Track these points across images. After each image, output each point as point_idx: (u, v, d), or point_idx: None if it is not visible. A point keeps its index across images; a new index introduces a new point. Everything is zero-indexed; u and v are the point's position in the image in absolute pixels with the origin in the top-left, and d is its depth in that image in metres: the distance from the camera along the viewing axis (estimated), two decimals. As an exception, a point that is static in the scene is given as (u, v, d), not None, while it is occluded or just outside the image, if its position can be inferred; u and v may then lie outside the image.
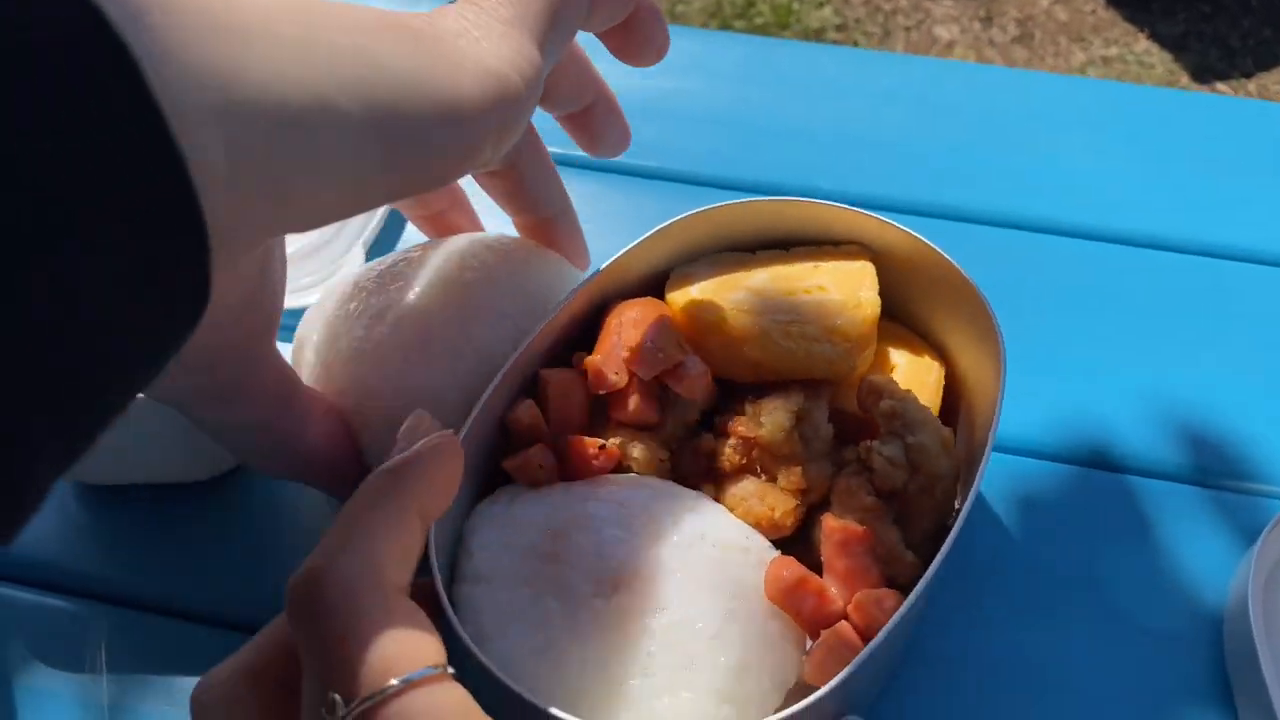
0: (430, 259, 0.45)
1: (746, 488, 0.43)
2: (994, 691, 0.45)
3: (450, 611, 0.35)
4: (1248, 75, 1.82)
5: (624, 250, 0.45)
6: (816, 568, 0.40)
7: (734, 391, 0.45)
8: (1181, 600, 0.48)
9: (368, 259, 0.58)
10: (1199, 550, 0.49)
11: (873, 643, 0.35)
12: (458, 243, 0.46)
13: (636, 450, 0.43)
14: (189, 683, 0.44)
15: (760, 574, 0.39)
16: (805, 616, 0.39)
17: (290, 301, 0.53)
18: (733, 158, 0.67)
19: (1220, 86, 1.83)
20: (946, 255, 0.45)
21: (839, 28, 1.96)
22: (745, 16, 1.98)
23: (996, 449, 0.52)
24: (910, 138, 0.68)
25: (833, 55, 0.75)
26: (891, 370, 0.48)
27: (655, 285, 0.47)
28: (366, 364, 0.42)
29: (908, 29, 1.93)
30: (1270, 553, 0.47)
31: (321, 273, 0.57)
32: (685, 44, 0.71)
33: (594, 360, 0.43)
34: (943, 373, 0.47)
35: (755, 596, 0.39)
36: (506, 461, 0.41)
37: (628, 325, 0.43)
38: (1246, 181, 0.65)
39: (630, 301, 0.45)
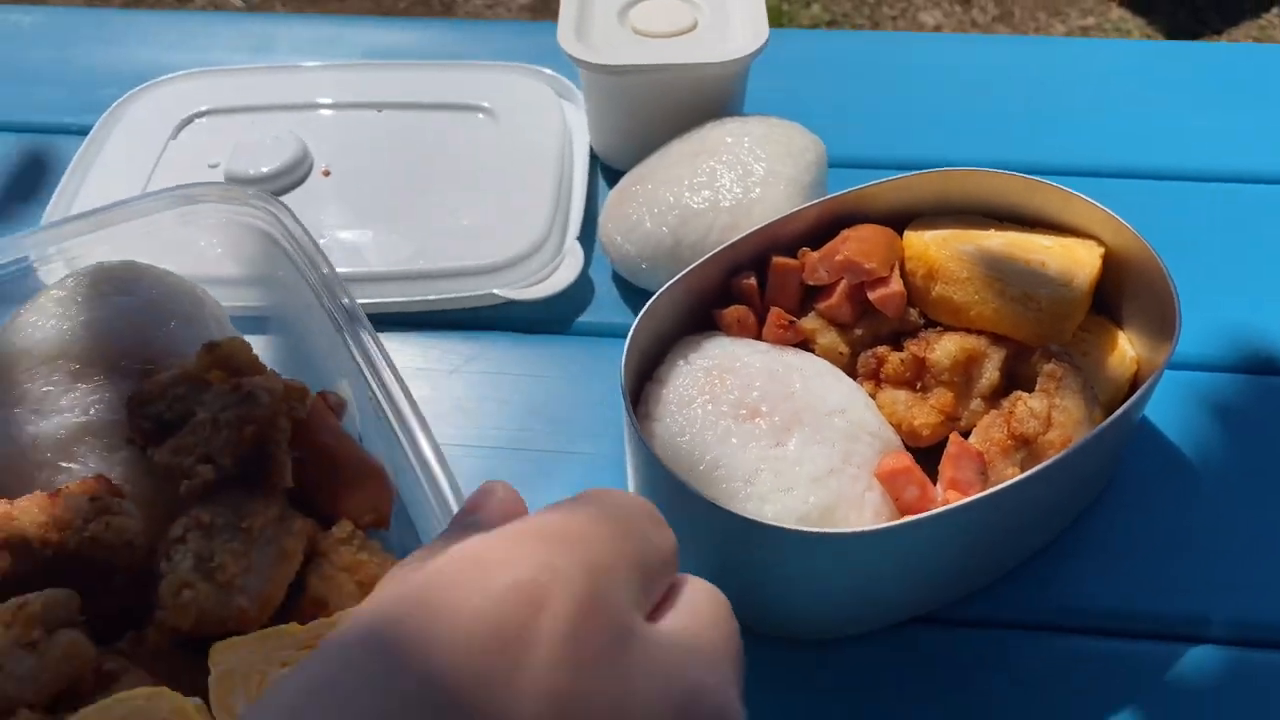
0: None
1: (899, 395, 0.50)
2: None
3: (628, 400, 0.45)
4: (1217, 31, 1.92)
5: (871, 183, 0.53)
6: (932, 479, 0.47)
7: (930, 326, 0.52)
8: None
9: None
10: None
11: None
12: None
13: (823, 337, 0.51)
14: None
15: (878, 458, 0.46)
16: (903, 502, 0.46)
17: (521, 295, 0.60)
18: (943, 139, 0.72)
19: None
20: (1143, 239, 0.49)
21: (829, 24, 2.00)
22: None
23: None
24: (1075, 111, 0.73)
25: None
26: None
27: (892, 222, 0.54)
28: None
29: (894, 18, 2.00)
30: None
31: (541, 273, 0.61)
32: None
33: (812, 256, 0.51)
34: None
35: (865, 469, 0.46)
36: (716, 310, 0.51)
37: (854, 239, 0.52)
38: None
39: (866, 225, 0.53)
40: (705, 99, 0.63)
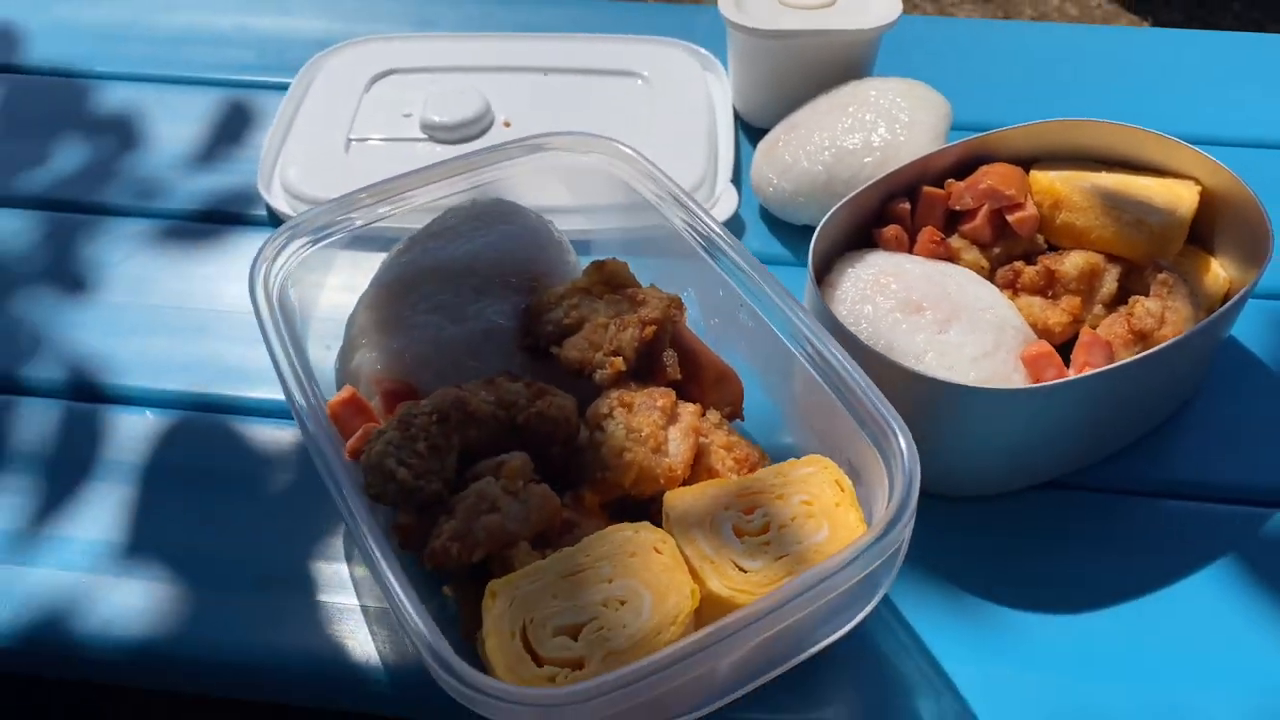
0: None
1: (1035, 300, 0.59)
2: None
3: (824, 303, 0.55)
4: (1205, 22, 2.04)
5: (1004, 129, 0.63)
6: (1066, 365, 0.56)
7: (1056, 250, 0.61)
8: None
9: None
10: None
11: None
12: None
13: (968, 254, 0.61)
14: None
15: (1022, 346, 0.56)
16: (1044, 380, 0.55)
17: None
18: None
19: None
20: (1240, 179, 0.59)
21: None
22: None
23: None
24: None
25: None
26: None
27: (1020, 163, 0.64)
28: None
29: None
30: None
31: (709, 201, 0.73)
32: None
33: (958, 186, 0.61)
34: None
35: (1011, 354, 0.55)
36: (875, 229, 0.61)
37: (992, 173, 0.61)
38: None
39: (1001, 163, 0.63)
40: (843, 63, 0.73)
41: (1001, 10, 2.22)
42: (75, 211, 0.74)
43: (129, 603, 0.52)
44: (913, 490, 0.43)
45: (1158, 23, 2.17)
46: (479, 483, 0.46)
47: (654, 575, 0.43)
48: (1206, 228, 0.62)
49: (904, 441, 0.44)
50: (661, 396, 0.51)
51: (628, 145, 0.58)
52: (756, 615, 0.39)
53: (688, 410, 0.51)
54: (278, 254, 0.54)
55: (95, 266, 0.70)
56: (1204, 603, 0.52)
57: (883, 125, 0.66)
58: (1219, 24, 2.17)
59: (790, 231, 0.70)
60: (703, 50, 0.82)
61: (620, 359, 0.51)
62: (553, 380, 0.52)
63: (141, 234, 0.72)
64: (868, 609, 0.45)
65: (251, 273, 0.52)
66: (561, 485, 0.49)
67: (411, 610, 0.40)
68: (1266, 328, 0.65)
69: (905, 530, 0.43)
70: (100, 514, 0.56)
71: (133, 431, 0.60)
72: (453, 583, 0.46)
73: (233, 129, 0.80)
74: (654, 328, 0.52)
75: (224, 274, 0.69)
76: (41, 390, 0.63)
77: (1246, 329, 0.65)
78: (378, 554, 0.41)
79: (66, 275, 0.69)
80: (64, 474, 0.58)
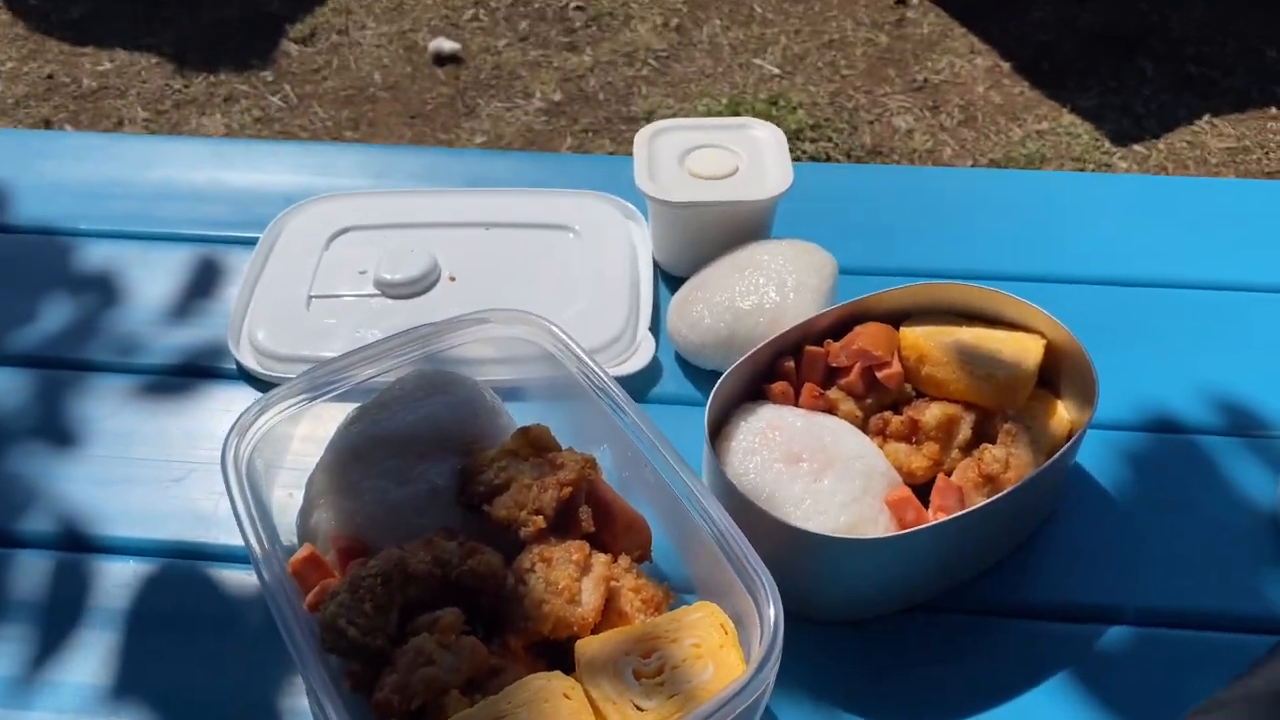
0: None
1: (900, 447, 0.69)
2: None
3: (712, 450, 0.64)
4: (1155, 136, 2.22)
5: (874, 293, 0.73)
6: (925, 506, 0.65)
7: (919, 397, 0.71)
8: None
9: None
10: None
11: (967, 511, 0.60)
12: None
13: (844, 405, 0.70)
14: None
15: (886, 491, 0.65)
16: (905, 522, 0.64)
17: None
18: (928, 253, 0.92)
19: (1137, 148, 2.18)
20: (1072, 334, 0.69)
21: (813, 127, 2.22)
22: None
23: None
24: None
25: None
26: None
27: (890, 321, 0.74)
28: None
29: (871, 122, 2.24)
30: None
31: (622, 356, 0.79)
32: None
33: (835, 346, 0.71)
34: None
35: (877, 499, 0.65)
36: (766, 385, 0.70)
37: (864, 334, 0.71)
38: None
39: (873, 323, 0.73)
40: (746, 226, 0.83)
41: (930, 99, 2.35)
42: (61, 368, 0.82)
43: (117, 741, 0.60)
44: (777, 639, 0.52)
45: (1076, 108, 2.31)
46: (416, 639, 0.55)
47: (563, 719, 0.52)
48: (1053, 374, 0.72)
49: (771, 597, 0.53)
50: (577, 550, 0.60)
51: (551, 321, 0.68)
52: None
53: (600, 560, 0.60)
54: (247, 429, 0.62)
55: (82, 421, 0.78)
56: (1056, 715, 0.61)
57: (773, 289, 0.76)
58: (1133, 107, 2.32)
59: (700, 375, 0.80)
60: (627, 203, 0.92)
61: (541, 517, 0.60)
62: (486, 531, 0.61)
63: (123, 389, 0.80)
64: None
65: (223, 449, 0.61)
66: (489, 629, 0.58)
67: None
68: (1109, 457, 0.75)
69: (771, 672, 0.51)
70: (89, 659, 0.64)
71: (118, 579, 0.68)
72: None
73: (205, 284, 0.89)
74: (570, 489, 0.61)
75: (199, 428, 0.78)
76: (34, 543, 0.71)
77: (1092, 458, 0.75)
78: (324, 698, 0.50)
79: (55, 431, 0.77)
80: (56, 621, 0.66)
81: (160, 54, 2.57)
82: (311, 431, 0.67)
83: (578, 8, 2.72)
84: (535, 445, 0.64)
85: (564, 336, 0.67)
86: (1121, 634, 0.65)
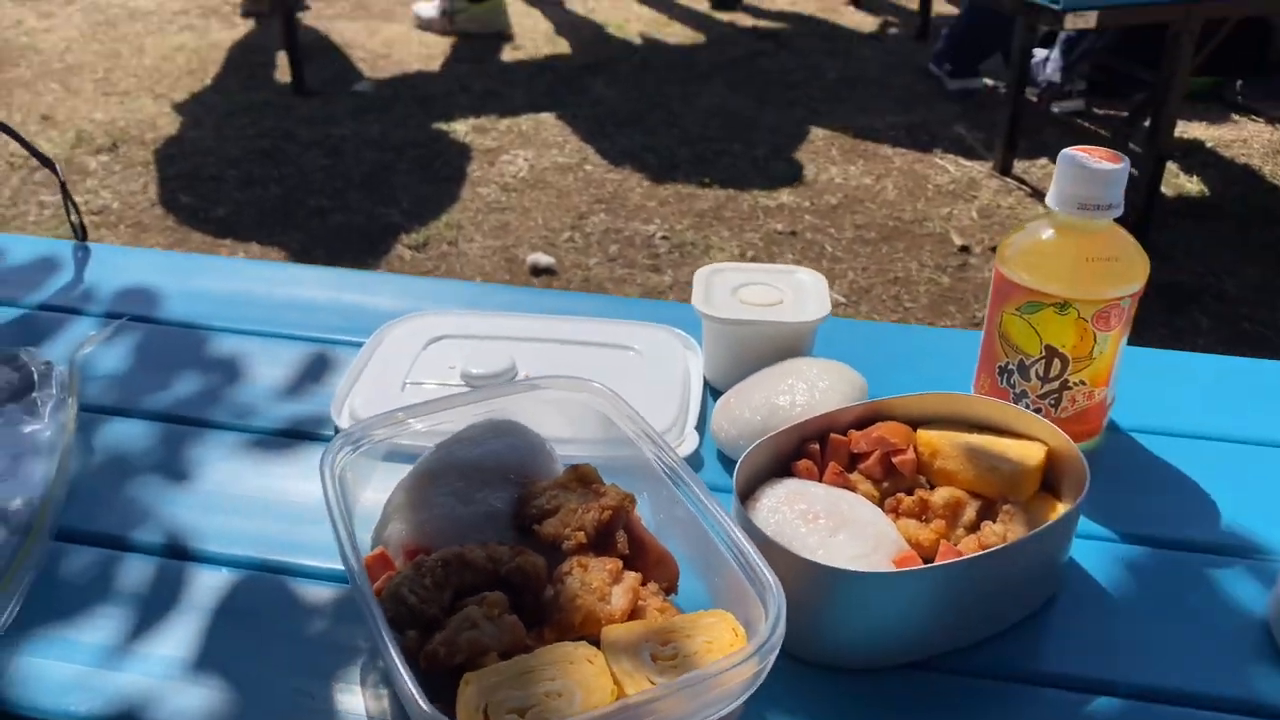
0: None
1: (911, 522, 0.76)
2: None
3: (743, 508, 0.73)
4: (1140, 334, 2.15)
5: (897, 395, 0.83)
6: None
7: (930, 486, 0.79)
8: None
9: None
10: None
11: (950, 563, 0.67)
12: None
13: (863, 486, 0.79)
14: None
15: (895, 553, 0.73)
16: (909, 579, 0.71)
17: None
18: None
19: None
20: (1071, 442, 0.77)
21: None
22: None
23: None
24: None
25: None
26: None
27: (908, 422, 0.83)
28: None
29: None
30: None
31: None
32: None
33: (858, 436, 0.80)
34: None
35: (886, 557, 0.72)
36: (794, 464, 0.80)
37: (884, 427, 0.81)
38: None
39: (893, 421, 0.82)
40: (785, 347, 0.94)
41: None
42: (185, 424, 0.95)
43: (191, 704, 0.68)
44: (779, 625, 0.59)
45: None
46: (466, 608, 0.63)
47: (585, 678, 0.59)
48: (1055, 481, 0.80)
49: (778, 599, 0.61)
50: (611, 564, 0.68)
51: (605, 385, 0.79)
52: (653, 698, 0.55)
53: (631, 576, 0.68)
54: (340, 447, 0.73)
55: (196, 463, 0.90)
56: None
57: (804, 388, 0.87)
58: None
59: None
60: (685, 334, 1.05)
61: (582, 533, 0.69)
62: (536, 550, 0.70)
63: (235, 442, 0.93)
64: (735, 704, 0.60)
65: (321, 460, 0.72)
66: (529, 625, 0.66)
67: (409, 683, 0.56)
68: (1109, 561, 0.81)
69: (770, 656, 0.58)
70: (176, 640, 0.73)
71: (209, 583, 0.78)
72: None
73: (316, 372, 1.03)
74: (610, 513, 0.70)
75: (295, 475, 0.89)
76: (143, 549, 0.81)
77: (1091, 559, 0.81)
78: (393, 654, 0.58)
79: (173, 468, 0.89)
80: (153, 610, 0.75)
81: (288, 250, 2.87)
82: (383, 482, 0.77)
83: (663, 237, 2.98)
84: (583, 480, 0.74)
85: (615, 397, 0.78)
86: (1110, 705, 0.69)
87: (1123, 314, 0.85)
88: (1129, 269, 0.85)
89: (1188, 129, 3.59)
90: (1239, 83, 3.75)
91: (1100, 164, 0.82)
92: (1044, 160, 3.37)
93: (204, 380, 1.02)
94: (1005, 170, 3.31)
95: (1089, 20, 2.43)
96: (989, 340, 0.91)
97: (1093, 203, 0.82)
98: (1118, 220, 0.85)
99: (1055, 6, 2.40)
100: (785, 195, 3.19)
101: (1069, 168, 0.83)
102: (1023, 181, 3.28)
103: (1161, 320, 2.58)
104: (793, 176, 3.31)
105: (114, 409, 0.97)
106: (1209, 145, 3.49)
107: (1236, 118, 3.70)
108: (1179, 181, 3.24)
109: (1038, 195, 3.16)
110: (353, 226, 2.99)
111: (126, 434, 0.94)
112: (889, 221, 3.03)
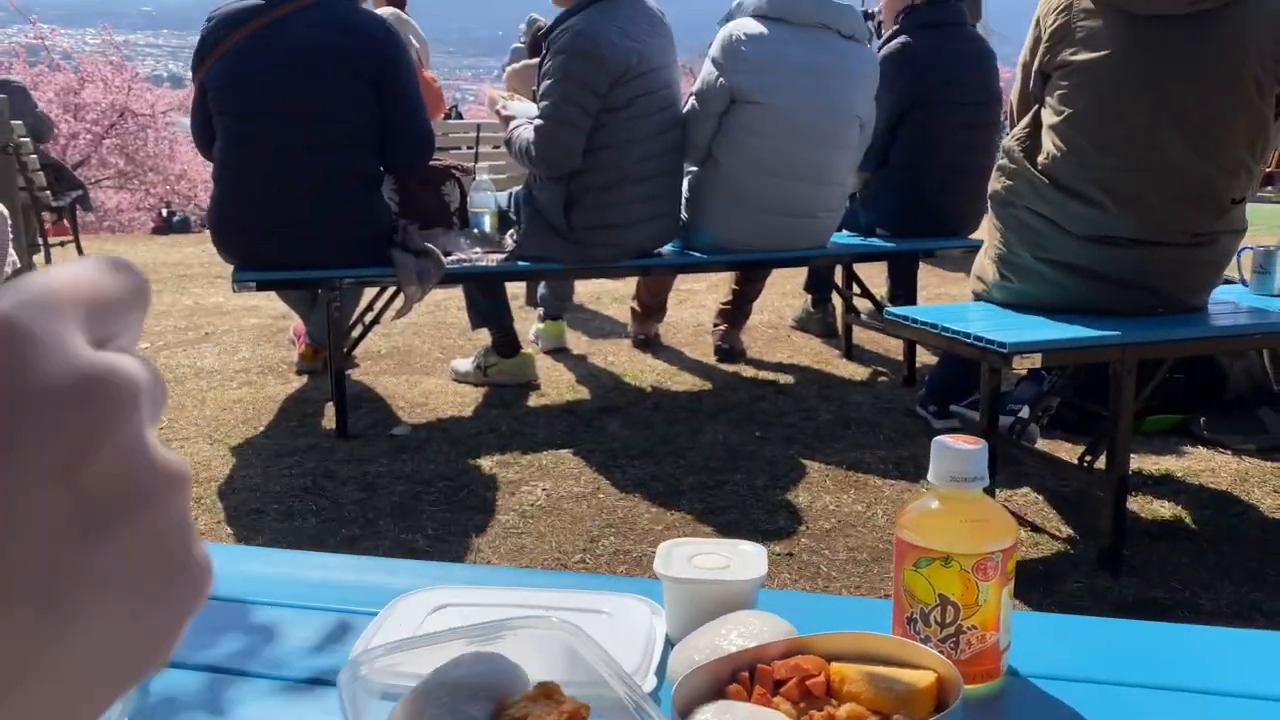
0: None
1: (821, 733, 0.92)
2: None
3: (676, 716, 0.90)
4: None
5: (813, 634, 1.01)
6: (836, 771, 0.87)
7: (840, 704, 0.96)
8: None
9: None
10: None
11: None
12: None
13: (783, 706, 0.95)
14: None
15: (805, 754, 0.88)
16: (816, 775, 0.86)
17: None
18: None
19: None
20: (958, 674, 0.94)
21: None
22: None
23: None
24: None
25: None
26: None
27: (826, 657, 1.00)
28: None
29: None
30: None
31: None
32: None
33: (782, 665, 0.98)
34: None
35: (796, 757, 0.87)
36: (727, 688, 0.96)
37: (802, 659, 0.98)
38: None
39: (807, 656, 0.99)
40: (733, 600, 1.13)
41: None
42: (228, 674, 1.13)
43: None
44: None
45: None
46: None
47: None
48: (945, 701, 0.96)
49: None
50: (564, 713, 0.84)
51: (575, 625, 0.98)
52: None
53: (578, 733, 0.84)
54: (355, 669, 0.92)
55: (236, 703, 1.07)
56: None
57: (742, 632, 1.05)
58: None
59: (688, 706, 1.05)
60: (651, 600, 1.24)
61: (549, 740, 0.85)
62: (505, 756, 0.86)
63: (268, 688, 1.10)
64: None
65: (340, 679, 0.90)
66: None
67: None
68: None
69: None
70: None
71: None
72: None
73: (337, 634, 1.21)
74: (568, 716, 0.87)
75: (319, 712, 1.05)
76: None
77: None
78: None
79: (217, 708, 1.06)
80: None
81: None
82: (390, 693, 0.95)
83: (668, 559, 3.16)
84: (547, 694, 0.91)
85: (586, 636, 0.97)
86: None
87: (998, 566, 1.04)
88: (998, 528, 1.05)
89: (1160, 461, 3.84)
90: (1202, 419, 4.05)
91: (963, 446, 1.05)
92: (1025, 489, 3.60)
93: (243, 634, 1.20)
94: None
95: (1035, 360, 2.76)
96: (897, 596, 1.09)
97: (962, 476, 1.05)
98: (986, 490, 1.07)
99: (1003, 351, 2.73)
100: (782, 519, 3.41)
101: (941, 450, 1.06)
102: (1004, 507, 3.49)
103: (1145, 634, 2.68)
104: (789, 503, 3.55)
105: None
106: (1178, 475, 3.73)
107: (1204, 450, 3.97)
108: (1153, 506, 3.44)
109: (1023, 524, 3.35)
110: (379, 552, 3.21)
111: (176, 681, 1.11)
112: (880, 544, 3.21)
